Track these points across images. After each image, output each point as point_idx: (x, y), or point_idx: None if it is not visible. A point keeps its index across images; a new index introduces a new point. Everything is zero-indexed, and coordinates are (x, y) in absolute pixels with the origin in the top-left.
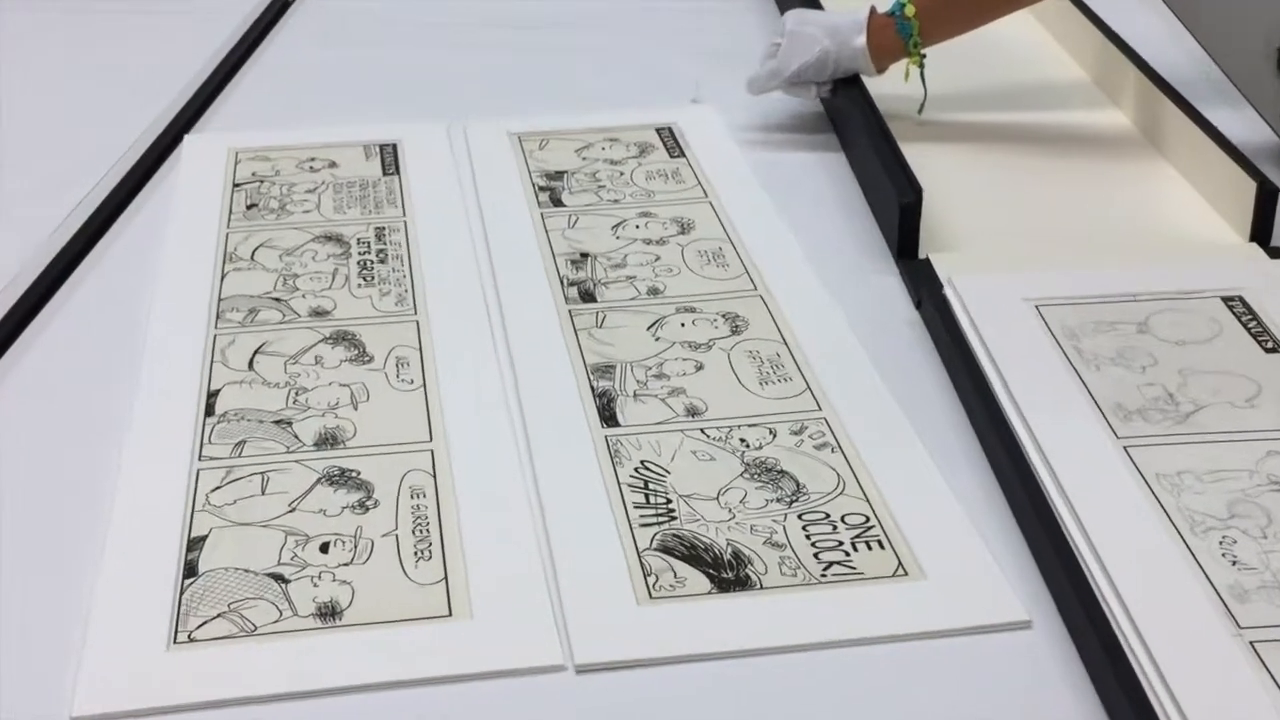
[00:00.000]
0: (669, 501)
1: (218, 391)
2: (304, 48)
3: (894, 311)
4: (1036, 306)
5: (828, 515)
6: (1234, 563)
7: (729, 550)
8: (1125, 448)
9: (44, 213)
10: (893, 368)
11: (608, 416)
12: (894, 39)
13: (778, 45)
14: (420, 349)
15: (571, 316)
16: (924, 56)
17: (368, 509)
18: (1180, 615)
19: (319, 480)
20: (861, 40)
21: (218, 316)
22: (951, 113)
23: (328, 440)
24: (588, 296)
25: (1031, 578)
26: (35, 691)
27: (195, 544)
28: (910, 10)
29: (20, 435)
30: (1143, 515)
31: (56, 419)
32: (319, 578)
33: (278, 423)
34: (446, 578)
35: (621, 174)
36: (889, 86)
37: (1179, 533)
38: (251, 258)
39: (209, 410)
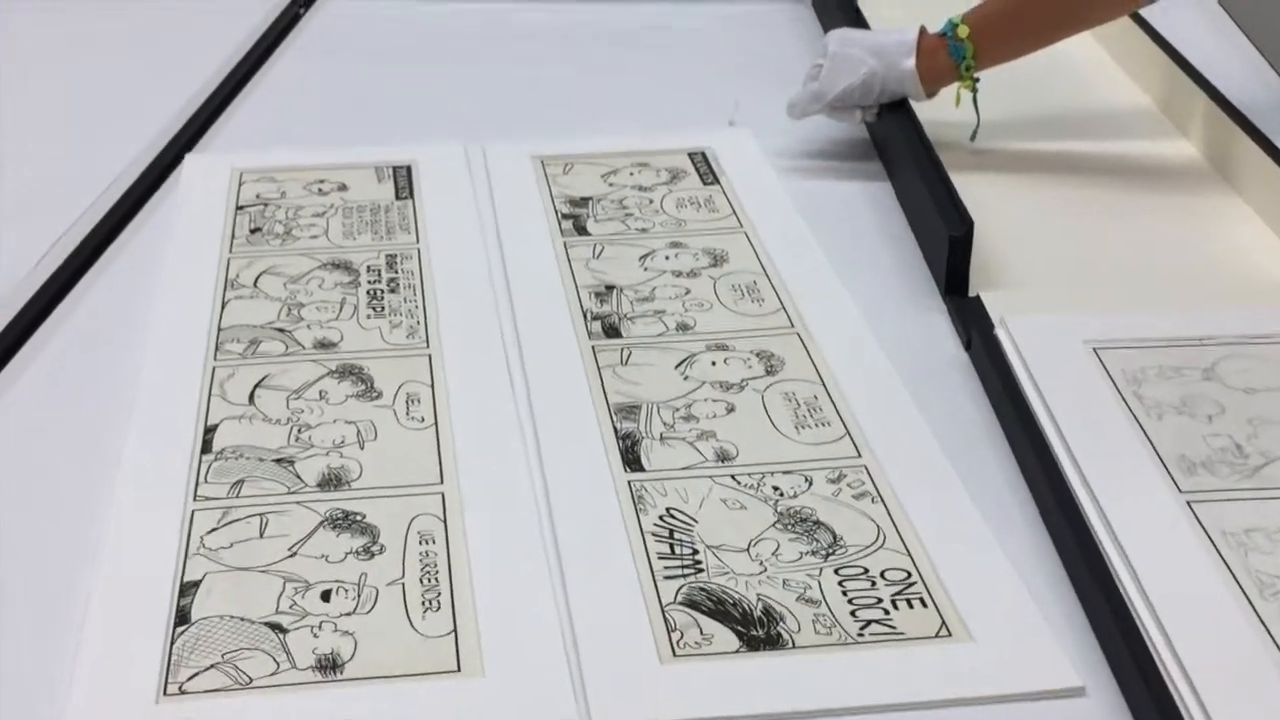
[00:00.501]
0: (695, 552)
1: (215, 427)
2: (314, 62)
3: (941, 352)
4: (1095, 350)
5: (866, 570)
6: None
7: (759, 606)
8: (1189, 503)
9: (35, 234)
10: (939, 413)
11: (631, 460)
12: (946, 62)
13: (820, 67)
14: (432, 385)
15: (594, 353)
16: (977, 80)
17: (373, 555)
18: (1245, 686)
19: (321, 523)
20: (911, 63)
21: (217, 347)
22: (1005, 140)
23: (331, 481)
24: (612, 332)
25: (1086, 641)
26: None
27: (188, 589)
28: (964, 31)
29: (6, 469)
30: (1207, 576)
31: (44, 453)
32: (319, 628)
33: (279, 461)
34: (456, 630)
35: (651, 201)
36: (939, 111)
37: (1246, 596)
38: (254, 285)
39: (206, 447)
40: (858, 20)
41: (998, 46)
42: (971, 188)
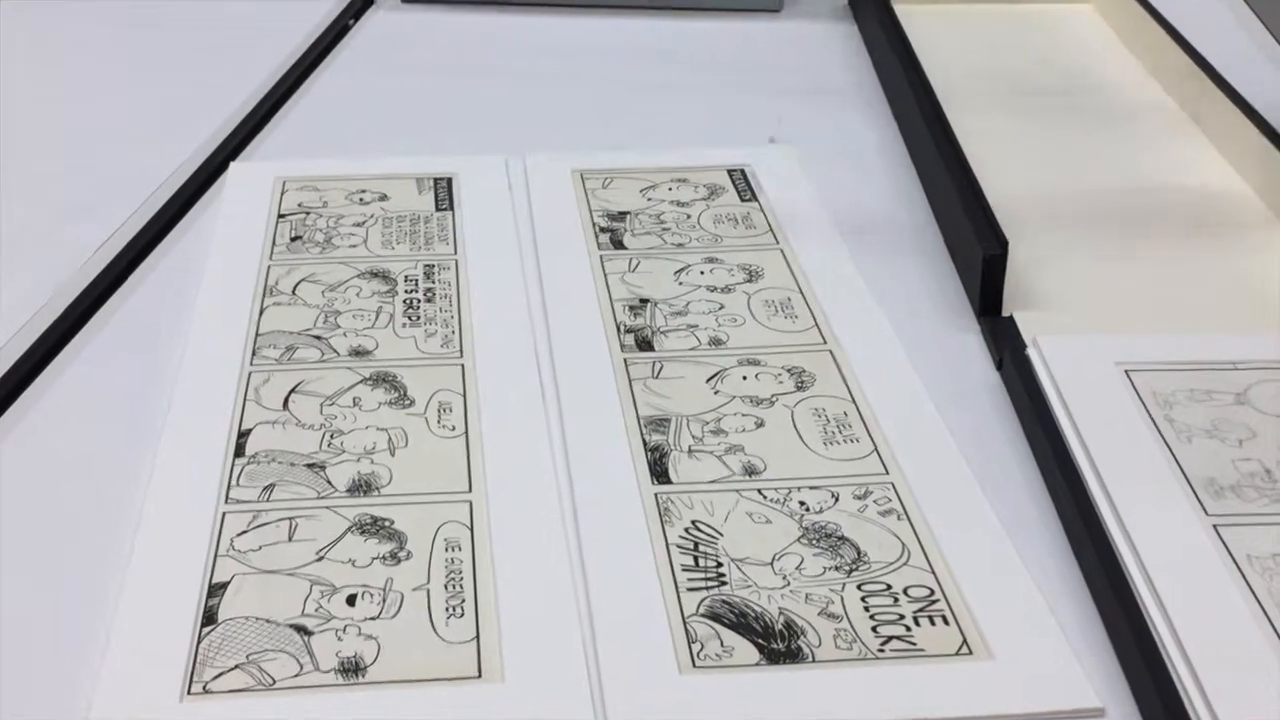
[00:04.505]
0: (719, 565)
1: (249, 431)
2: (361, 73)
3: (973, 372)
4: (1126, 371)
5: (889, 587)
6: None
7: (781, 619)
8: (1215, 526)
9: (83, 235)
10: (968, 432)
11: (659, 473)
12: None
13: None
14: (464, 394)
15: (626, 365)
16: None
17: (399, 560)
18: (1267, 713)
19: (350, 528)
20: None
21: (254, 353)
22: (1041, 151)
23: (361, 487)
24: (645, 345)
25: (1107, 662)
26: None
27: (216, 590)
28: None
29: (44, 466)
30: (1230, 600)
31: (81, 450)
32: (344, 631)
33: (310, 466)
34: (478, 636)
35: (688, 217)
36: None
37: (1270, 621)
38: (293, 292)
39: (239, 451)
40: (901, 40)
41: None
42: (1008, 203)
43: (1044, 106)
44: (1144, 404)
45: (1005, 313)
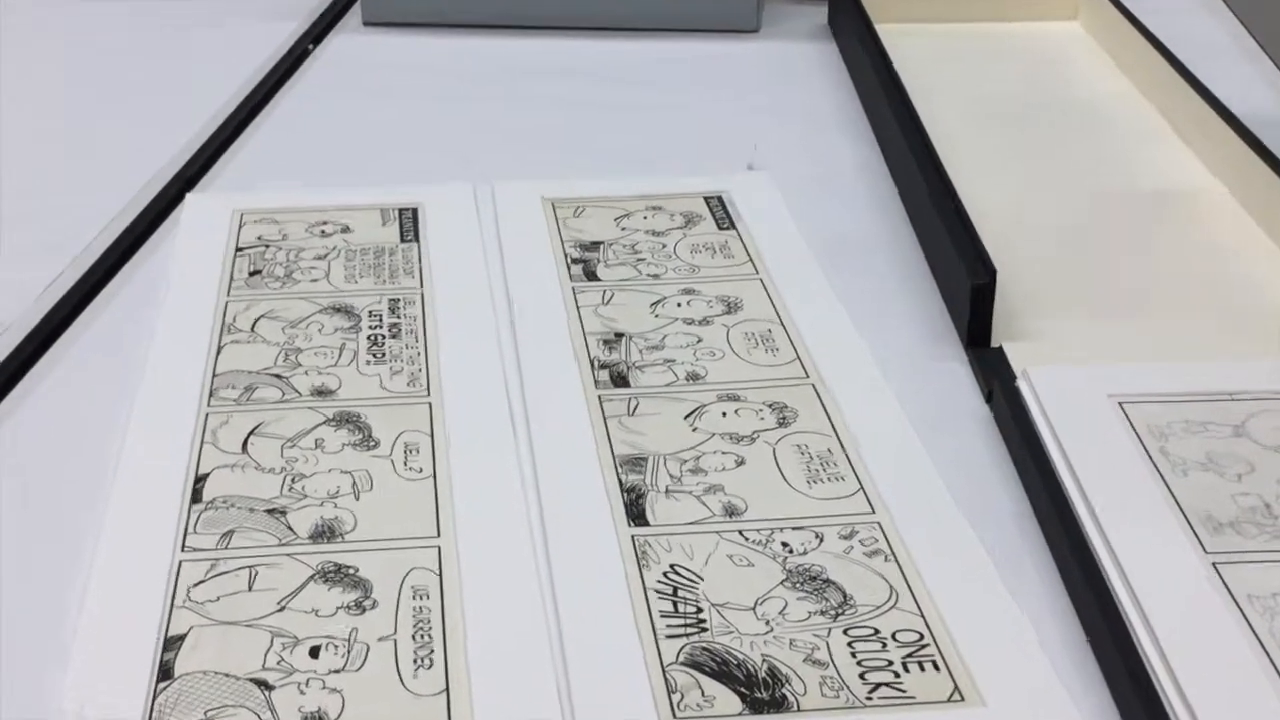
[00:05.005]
0: (700, 611)
1: (206, 475)
2: (322, 100)
3: (962, 405)
4: (1120, 404)
5: (877, 631)
6: None
7: (764, 667)
8: (1214, 564)
9: (33, 271)
10: (958, 468)
11: (636, 514)
12: None
13: None
14: (432, 434)
15: (601, 402)
16: None
17: (364, 610)
18: None
19: (312, 577)
20: None
21: (211, 393)
22: (1025, 173)
23: (324, 533)
24: (620, 380)
25: (1105, 707)
26: None
27: (172, 643)
28: None
29: None
30: (1231, 641)
31: (30, 497)
32: (306, 685)
33: (270, 512)
34: (448, 689)
35: (664, 246)
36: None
37: (1272, 661)
38: (252, 329)
39: (196, 496)
40: (884, 61)
41: None
42: (996, 229)
43: (1031, 127)
44: (1139, 437)
45: (994, 343)
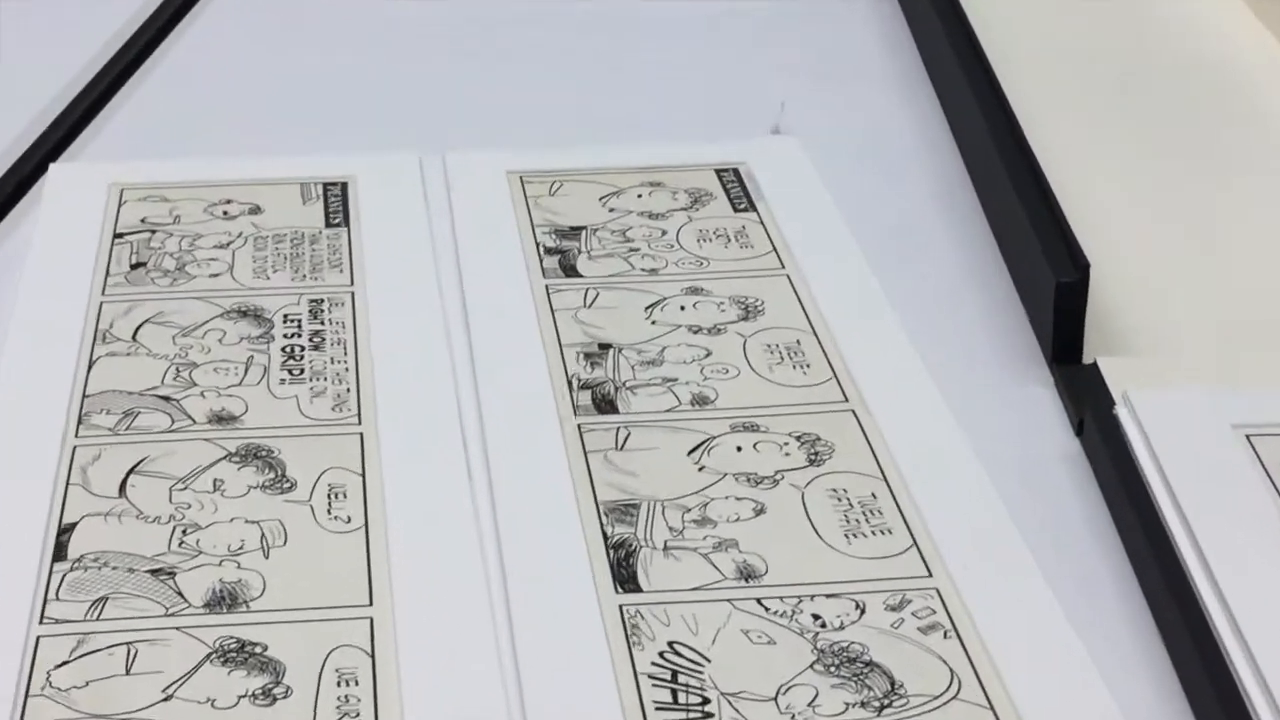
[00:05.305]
0: (705, 701)
1: (73, 526)
2: (225, 47)
3: (1044, 438)
4: (1247, 436)
5: None
6: None
7: None
8: None
9: None
10: (1038, 519)
11: (625, 578)
12: None
13: None
14: (364, 474)
15: (581, 434)
16: None
17: (275, 699)
18: None
19: (209, 656)
20: None
21: (80, 420)
22: (1127, 156)
23: (224, 600)
24: (606, 405)
25: None
26: None
27: None
28: None
29: None
30: None
31: None
32: None
33: (155, 573)
34: None
35: (663, 233)
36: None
37: None
38: (133, 338)
39: (59, 553)
40: (955, 12)
41: None
42: (1089, 217)
43: (1140, 88)
44: (1270, 478)
45: (1086, 359)
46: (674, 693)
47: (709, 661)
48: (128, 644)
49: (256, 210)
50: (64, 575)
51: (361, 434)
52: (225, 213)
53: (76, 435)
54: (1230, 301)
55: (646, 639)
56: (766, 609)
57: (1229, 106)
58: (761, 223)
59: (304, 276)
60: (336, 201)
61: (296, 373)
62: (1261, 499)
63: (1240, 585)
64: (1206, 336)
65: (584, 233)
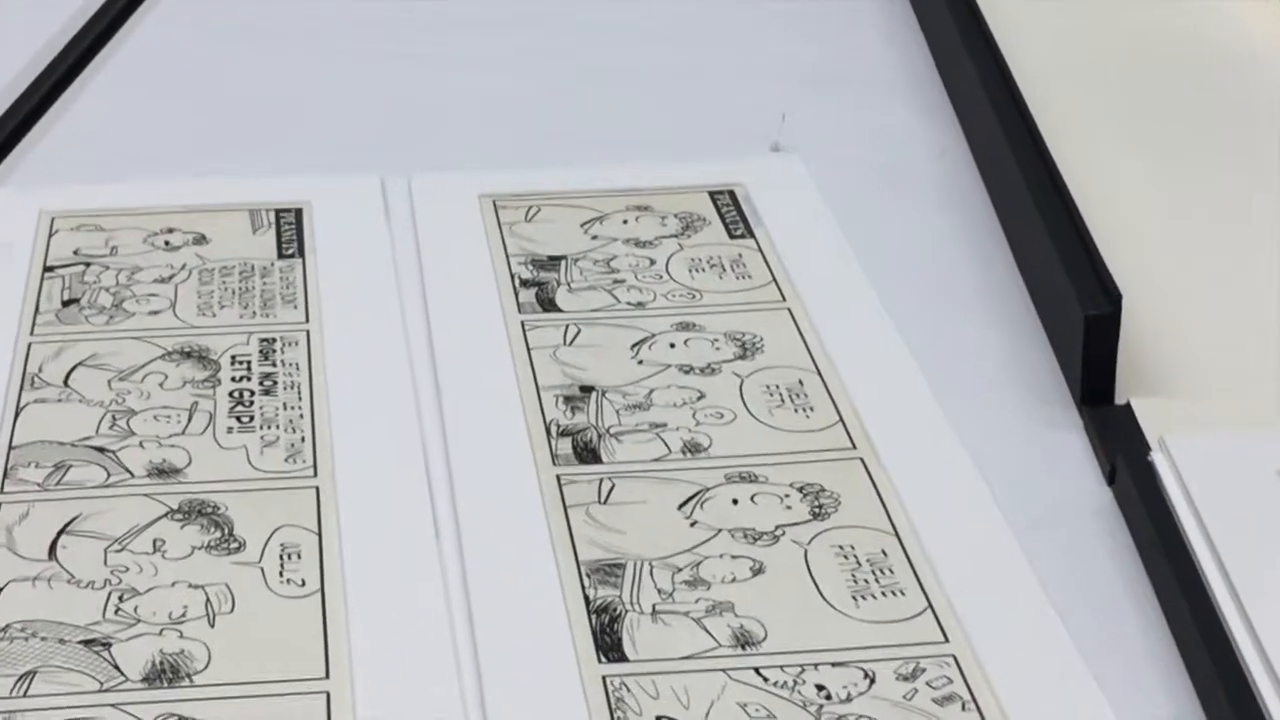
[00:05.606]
0: None
1: None
2: (166, 57)
3: (1073, 487)
4: None
5: None
6: None
7: None
8: None
9: None
10: (1068, 575)
11: (609, 645)
12: None
13: None
14: (319, 533)
15: (561, 486)
16: None
17: None
18: None
19: None
20: None
21: (4, 474)
22: (1160, 181)
23: (164, 674)
24: (588, 454)
25: None
26: None
27: None
28: None
29: None
30: None
31: None
32: None
33: (88, 643)
34: None
35: (652, 263)
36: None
37: None
38: (65, 383)
39: None
40: (970, 9)
41: None
42: (1119, 242)
43: (1177, 101)
44: None
45: (1118, 400)
46: None
47: None
48: None
49: (201, 240)
50: None
51: (318, 488)
52: (167, 243)
53: (1, 491)
54: (1271, 341)
55: (633, 714)
56: (765, 679)
57: (1274, 119)
58: (760, 250)
59: (254, 313)
60: (290, 230)
61: (245, 420)
62: None
63: None
64: (1251, 374)
65: (564, 263)
